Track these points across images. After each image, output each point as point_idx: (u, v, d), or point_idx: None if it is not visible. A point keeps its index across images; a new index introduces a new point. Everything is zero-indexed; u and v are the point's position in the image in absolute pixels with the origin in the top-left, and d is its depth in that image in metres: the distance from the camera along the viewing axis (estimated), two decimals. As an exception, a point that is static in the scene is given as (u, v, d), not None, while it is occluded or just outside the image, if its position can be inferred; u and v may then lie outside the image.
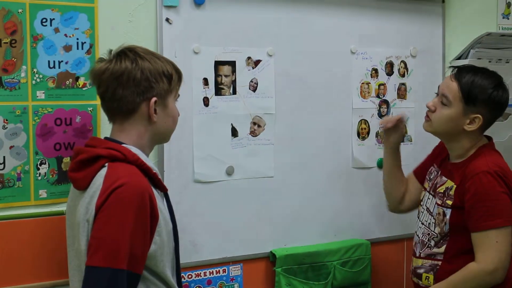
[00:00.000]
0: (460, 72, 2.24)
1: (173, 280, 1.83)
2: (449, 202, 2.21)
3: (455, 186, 2.21)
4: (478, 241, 2.14)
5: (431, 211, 2.29)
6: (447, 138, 2.30)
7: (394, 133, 2.48)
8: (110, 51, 1.85)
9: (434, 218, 2.27)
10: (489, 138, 2.33)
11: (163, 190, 1.88)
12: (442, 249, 2.24)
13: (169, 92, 1.87)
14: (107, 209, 1.64)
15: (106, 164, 1.73)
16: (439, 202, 2.25)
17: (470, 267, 2.15)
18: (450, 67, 2.32)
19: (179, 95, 1.95)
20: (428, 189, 2.37)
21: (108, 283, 1.59)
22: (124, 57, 1.80)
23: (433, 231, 2.27)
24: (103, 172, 1.71)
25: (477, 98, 2.17)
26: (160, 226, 1.74)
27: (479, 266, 2.13)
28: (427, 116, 2.30)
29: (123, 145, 1.79)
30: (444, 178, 2.28)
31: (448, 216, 2.21)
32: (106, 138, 1.86)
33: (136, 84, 1.78)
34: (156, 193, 1.78)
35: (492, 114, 2.22)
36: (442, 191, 2.25)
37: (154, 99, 1.81)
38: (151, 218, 1.69)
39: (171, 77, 1.86)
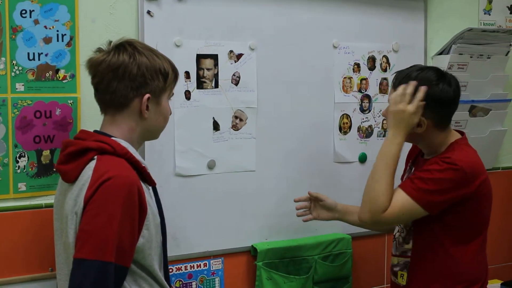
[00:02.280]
0: (395, 80, 2.16)
1: (160, 274, 1.83)
2: None
3: None
4: (396, 192, 2.07)
5: None
6: (411, 141, 2.23)
7: (321, 210, 2.54)
8: (110, 42, 1.84)
9: None
10: (462, 133, 2.23)
11: (152, 184, 1.88)
12: (410, 244, 2.20)
13: (164, 90, 1.86)
14: (95, 201, 1.63)
15: (95, 157, 1.73)
16: None
17: (391, 191, 2.06)
18: (392, 74, 2.22)
19: (173, 93, 1.95)
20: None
21: (96, 276, 1.58)
22: (122, 50, 1.79)
23: (400, 226, 2.26)
24: (92, 164, 1.71)
25: None
26: (149, 219, 1.74)
27: (386, 204, 2.05)
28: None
29: (112, 138, 1.79)
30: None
31: None
32: (95, 131, 1.86)
33: (131, 78, 1.78)
34: (144, 187, 1.78)
35: (437, 112, 2.10)
36: None
37: (147, 95, 1.81)
38: (139, 212, 1.69)
39: (167, 75, 1.86)
